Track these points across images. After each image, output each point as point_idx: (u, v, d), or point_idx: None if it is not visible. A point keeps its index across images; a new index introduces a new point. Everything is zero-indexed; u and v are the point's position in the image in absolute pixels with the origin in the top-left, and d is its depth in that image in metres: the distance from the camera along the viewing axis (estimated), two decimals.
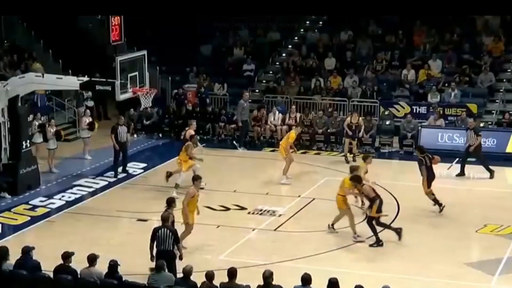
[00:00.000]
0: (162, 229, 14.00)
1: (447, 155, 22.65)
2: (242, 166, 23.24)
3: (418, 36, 29.42)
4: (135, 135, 26.65)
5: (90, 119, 23.97)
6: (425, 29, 29.46)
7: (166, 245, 13.91)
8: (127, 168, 22.28)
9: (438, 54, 28.23)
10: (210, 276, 12.11)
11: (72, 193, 20.51)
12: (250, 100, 25.93)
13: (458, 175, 21.73)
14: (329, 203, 19.34)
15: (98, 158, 23.81)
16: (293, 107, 26.02)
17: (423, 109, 25.94)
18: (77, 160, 23.77)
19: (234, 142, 25.29)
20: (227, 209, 19.12)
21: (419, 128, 24.40)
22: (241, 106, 25.61)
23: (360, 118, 24.52)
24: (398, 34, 29.60)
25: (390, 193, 20.17)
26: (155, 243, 13.99)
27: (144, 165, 23.09)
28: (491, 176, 21.41)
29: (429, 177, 18.75)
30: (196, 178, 16.33)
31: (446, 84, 26.88)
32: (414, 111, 25.92)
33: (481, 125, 25.36)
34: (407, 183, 21.31)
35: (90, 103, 27.62)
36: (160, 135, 26.83)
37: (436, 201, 18.83)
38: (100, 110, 28.97)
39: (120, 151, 21.94)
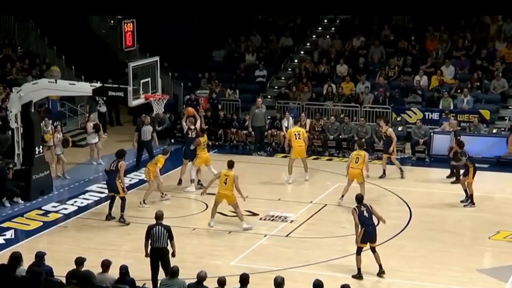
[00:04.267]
0: (157, 227, 14.08)
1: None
2: (254, 172, 23.24)
3: (430, 42, 29.38)
4: None
5: (94, 122, 24.08)
6: (437, 35, 29.42)
7: (160, 243, 13.99)
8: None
9: (451, 60, 28.18)
10: (222, 282, 12.13)
11: (84, 198, 20.58)
12: (261, 107, 25.72)
13: (448, 176, 21.94)
14: (341, 209, 19.35)
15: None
16: (303, 114, 25.92)
17: (435, 115, 25.87)
18: (89, 165, 23.85)
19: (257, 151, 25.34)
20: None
21: (431, 134, 24.34)
22: (252, 113, 25.64)
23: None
24: (410, 40, 29.58)
25: (403, 199, 20.17)
26: (149, 241, 14.08)
27: None
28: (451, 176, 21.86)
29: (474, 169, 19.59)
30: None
31: (459, 90, 26.82)
32: (427, 117, 25.86)
33: (494, 131, 25.33)
34: (420, 189, 21.29)
35: (103, 109, 27.69)
36: (172, 140, 26.87)
37: (467, 193, 19.59)
38: (112, 115, 29.09)
39: (144, 148, 23.26)
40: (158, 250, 13.99)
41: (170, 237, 14.06)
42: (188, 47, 31.23)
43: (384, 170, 22.27)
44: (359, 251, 15.14)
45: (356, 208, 15.20)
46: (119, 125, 28.90)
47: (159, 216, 14.31)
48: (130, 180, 22.00)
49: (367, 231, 15.04)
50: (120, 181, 18.41)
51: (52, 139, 22.36)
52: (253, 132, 25.70)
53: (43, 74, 27.53)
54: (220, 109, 27.53)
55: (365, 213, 15.11)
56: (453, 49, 28.97)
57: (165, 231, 14.03)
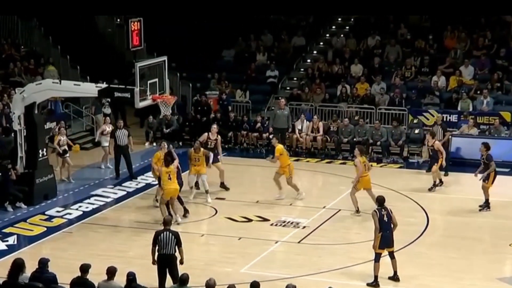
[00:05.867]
0: (164, 233, 14.10)
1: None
2: (265, 176, 23.24)
3: (449, 41, 29.34)
4: (154, 144, 26.80)
5: (111, 127, 24.02)
6: (456, 33, 29.36)
7: (168, 249, 14.03)
8: (136, 176, 22.61)
9: (470, 60, 28.11)
10: None
11: (89, 203, 20.62)
12: (283, 108, 25.57)
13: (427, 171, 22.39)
14: (355, 214, 19.33)
15: None
16: (315, 117, 25.95)
17: (453, 117, 25.81)
18: (94, 169, 23.92)
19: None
20: (249, 220, 19.15)
21: (450, 137, 24.27)
22: (273, 113, 25.55)
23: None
24: (428, 39, 29.53)
25: (419, 205, 20.12)
26: (156, 247, 14.11)
27: None
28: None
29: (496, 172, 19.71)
30: None
31: (478, 91, 26.75)
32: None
33: None
34: (437, 195, 21.24)
35: (108, 110, 27.77)
36: (181, 143, 26.90)
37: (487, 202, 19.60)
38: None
39: (121, 155, 22.65)
40: (166, 257, 14.03)
41: (178, 243, 14.09)
42: (197, 46, 31.27)
43: (440, 180, 21.68)
44: (377, 258, 15.09)
45: (377, 211, 15.12)
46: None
47: (167, 222, 14.35)
48: (137, 184, 22.10)
49: (384, 236, 15.00)
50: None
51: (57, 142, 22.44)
52: (271, 135, 25.49)
53: (44, 72, 27.70)
54: (230, 110, 27.56)
55: (385, 218, 15.05)
56: (472, 49, 28.91)
57: (173, 237, 14.05)
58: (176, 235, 14.13)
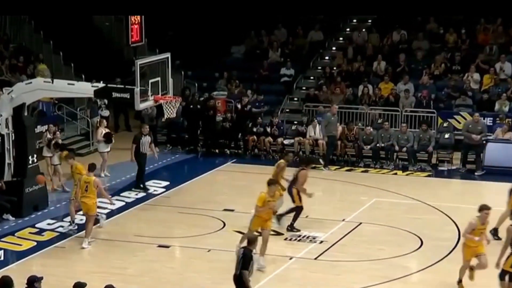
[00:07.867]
0: (239, 250, 14.17)
1: None
2: None
3: (483, 36, 29.28)
4: (157, 149, 26.84)
5: (107, 130, 24.10)
6: (491, 27, 29.30)
7: (236, 268, 14.01)
8: (147, 187, 22.55)
9: (507, 56, 28.03)
10: None
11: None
12: (336, 114, 25.40)
13: None
14: (378, 228, 19.32)
15: (115, 174, 23.94)
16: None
17: (488, 120, 25.74)
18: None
19: (321, 160, 24.98)
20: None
21: (484, 142, 24.20)
22: (327, 120, 25.17)
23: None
24: (460, 33, 29.48)
25: (450, 218, 20.04)
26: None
27: (166, 183, 23.19)
28: None
29: None
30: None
31: None
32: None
33: None
34: (470, 206, 21.07)
35: (105, 113, 27.81)
36: (192, 147, 26.83)
37: None
38: (119, 120, 29.09)
39: (141, 163, 22.43)
40: (235, 275, 13.99)
41: (242, 266, 13.85)
42: (204, 42, 31.31)
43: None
44: (503, 275, 14.69)
45: None
46: (128, 130, 28.81)
47: (250, 241, 14.37)
48: (136, 194, 22.12)
49: None
50: (296, 190, 19.03)
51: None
52: (324, 143, 25.14)
53: (35, 71, 27.77)
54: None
55: None
56: (509, 44, 28.82)
57: (241, 257, 13.94)
58: (245, 256, 13.87)
